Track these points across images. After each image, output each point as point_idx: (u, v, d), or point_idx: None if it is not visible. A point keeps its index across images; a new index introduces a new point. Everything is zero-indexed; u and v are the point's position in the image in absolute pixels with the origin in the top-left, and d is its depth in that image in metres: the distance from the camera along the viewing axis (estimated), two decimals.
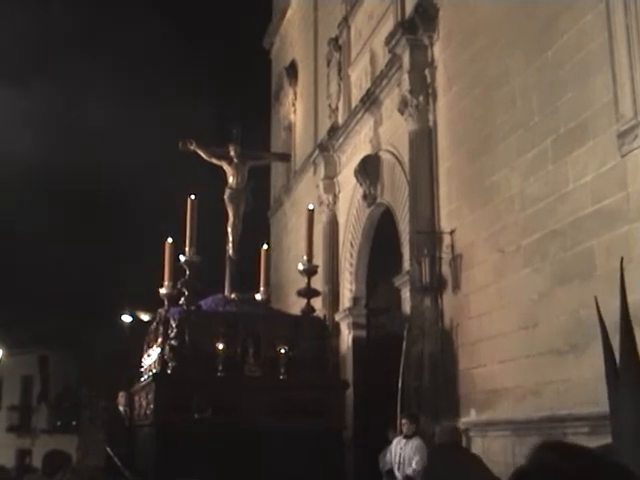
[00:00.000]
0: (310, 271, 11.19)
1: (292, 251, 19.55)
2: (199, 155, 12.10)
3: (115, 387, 13.45)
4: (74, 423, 31.33)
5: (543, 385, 8.67)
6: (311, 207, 11.79)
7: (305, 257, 11.18)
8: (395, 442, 10.04)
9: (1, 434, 34.13)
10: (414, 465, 9.54)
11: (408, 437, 9.78)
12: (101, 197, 34.07)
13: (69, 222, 32.25)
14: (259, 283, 12.05)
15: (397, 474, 9.79)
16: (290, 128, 21.32)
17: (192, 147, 12.00)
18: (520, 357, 9.18)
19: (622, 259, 5.30)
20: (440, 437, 7.38)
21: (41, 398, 34.71)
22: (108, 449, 11.33)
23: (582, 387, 7.88)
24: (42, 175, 30.36)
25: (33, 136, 26.90)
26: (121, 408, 12.18)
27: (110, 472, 10.84)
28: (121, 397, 12.23)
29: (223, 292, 11.57)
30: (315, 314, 11.44)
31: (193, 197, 10.69)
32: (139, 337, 13.33)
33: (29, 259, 33.92)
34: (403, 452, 9.74)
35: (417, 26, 11.95)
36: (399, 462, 9.77)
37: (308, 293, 11.16)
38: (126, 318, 27.18)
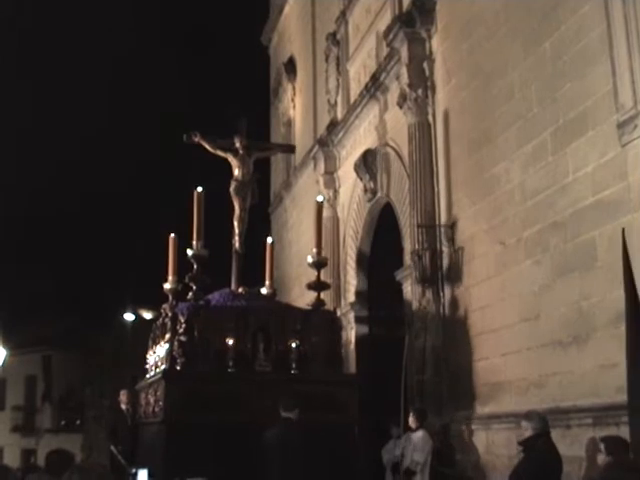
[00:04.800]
0: (320, 264, 11.04)
1: (294, 246, 19.53)
2: (204, 147, 12.00)
3: (119, 386, 13.42)
4: (78, 422, 31.46)
5: (546, 377, 8.65)
6: (320, 199, 11.63)
7: (314, 249, 11.01)
8: (404, 437, 10.05)
9: (6, 434, 34.22)
10: (414, 457, 9.53)
11: (413, 431, 9.81)
12: (101, 196, 34.14)
13: (70, 221, 32.31)
14: (262, 277, 11.94)
15: (401, 467, 9.82)
16: (289, 124, 21.29)
17: (197, 139, 11.87)
18: (522, 349, 9.17)
19: (624, 239, 5.34)
20: (536, 426, 7.22)
21: (45, 398, 34.80)
22: (112, 447, 11.32)
23: (585, 378, 7.87)
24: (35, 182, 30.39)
25: None
26: (123, 406, 12.15)
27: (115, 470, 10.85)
28: (123, 395, 12.19)
29: (229, 286, 11.46)
30: (325, 307, 11.31)
31: (200, 189, 10.48)
32: (142, 335, 13.28)
33: (31, 259, 33.99)
34: (407, 445, 9.76)
35: (415, 19, 11.93)
36: (403, 455, 9.80)
37: (318, 286, 11.02)
38: (128, 317, 27.21)
